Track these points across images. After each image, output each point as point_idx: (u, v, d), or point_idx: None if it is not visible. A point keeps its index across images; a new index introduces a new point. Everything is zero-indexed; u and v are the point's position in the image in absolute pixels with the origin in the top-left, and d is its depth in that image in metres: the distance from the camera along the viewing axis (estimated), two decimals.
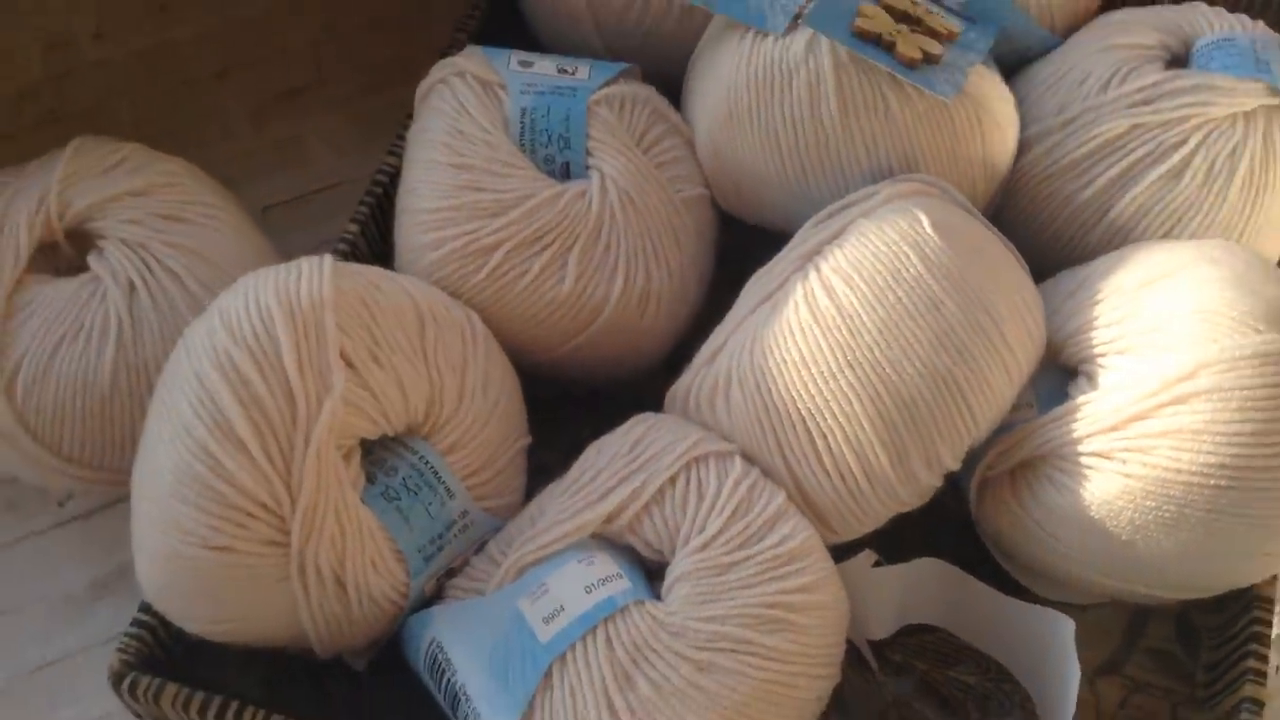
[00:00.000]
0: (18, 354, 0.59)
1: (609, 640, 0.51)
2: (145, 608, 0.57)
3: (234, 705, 0.54)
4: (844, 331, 0.54)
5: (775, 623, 0.51)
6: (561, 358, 0.63)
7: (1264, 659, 0.57)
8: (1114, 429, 0.53)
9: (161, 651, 0.58)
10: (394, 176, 0.67)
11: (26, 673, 0.62)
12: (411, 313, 0.55)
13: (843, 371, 0.54)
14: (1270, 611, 0.58)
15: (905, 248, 0.55)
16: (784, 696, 0.51)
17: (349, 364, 0.53)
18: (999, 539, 0.60)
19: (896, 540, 0.60)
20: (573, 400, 0.66)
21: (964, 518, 0.62)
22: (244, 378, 0.50)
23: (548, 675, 0.50)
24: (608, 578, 0.52)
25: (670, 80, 0.69)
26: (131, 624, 0.57)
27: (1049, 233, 0.65)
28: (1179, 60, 0.66)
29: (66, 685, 0.61)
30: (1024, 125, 0.66)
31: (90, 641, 0.63)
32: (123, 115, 0.81)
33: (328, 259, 0.55)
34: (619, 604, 0.51)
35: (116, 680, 0.55)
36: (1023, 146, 0.65)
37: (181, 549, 0.50)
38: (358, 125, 0.81)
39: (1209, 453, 0.51)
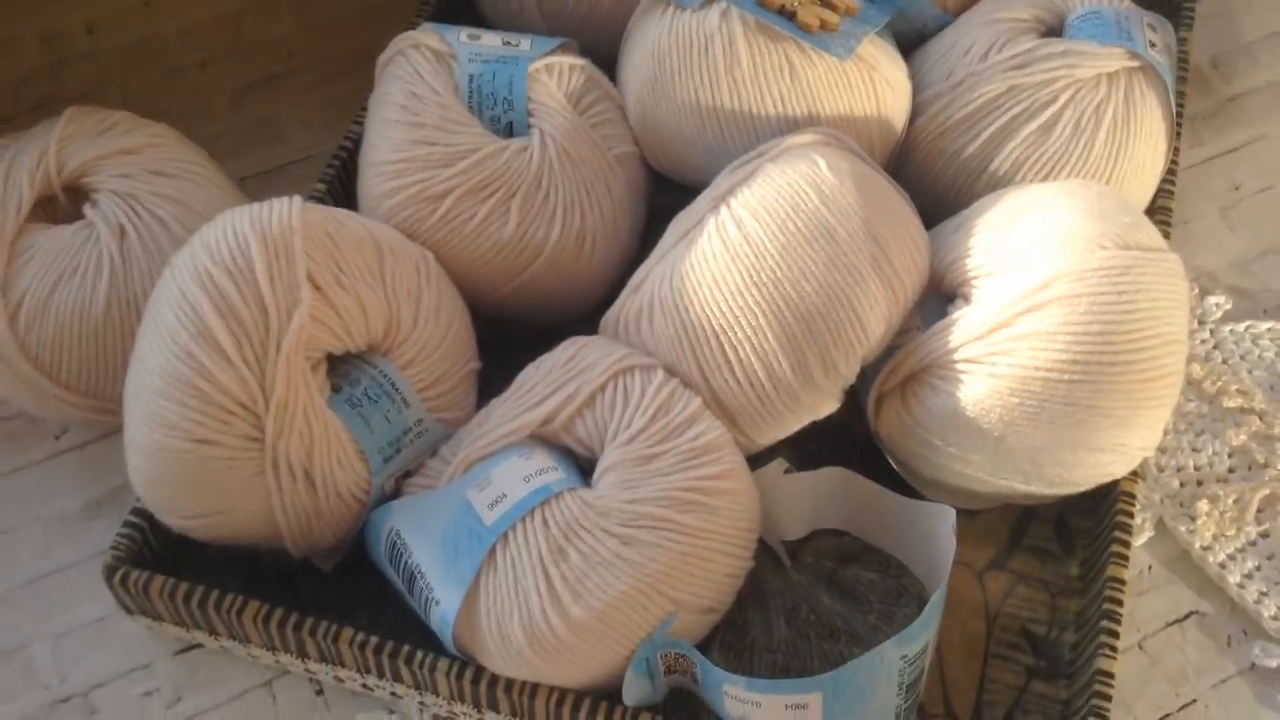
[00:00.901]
0: (20, 291, 0.66)
1: (545, 521, 0.58)
2: (135, 512, 0.64)
3: (214, 594, 0.61)
4: (750, 257, 0.62)
5: (691, 504, 0.58)
6: (507, 296, 0.70)
7: (1127, 545, 0.64)
8: (982, 337, 0.61)
9: (149, 553, 0.65)
10: (358, 143, 0.75)
11: (25, 583, 0.68)
12: (371, 245, 0.63)
13: (749, 290, 0.61)
14: (1131, 505, 0.65)
15: (804, 185, 0.63)
16: (699, 569, 0.58)
17: (315, 286, 0.60)
18: (895, 449, 0.67)
19: (813, 461, 0.68)
20: (519, 342, 0.73)
21: (871, 440, 0.69)
22: (222, 292, 0.58)
23: (492, 552, 0.58)
24: (544, 469, 0.60)
25: (606, 56, 0.77)
26: (123, 526, 0.63)
27: (941, 184, 0.73)
28: (1054, 32, 0.75)
29: (62, 594, 0.68)
30: (919, 91, 0.74)
31: (84, 555, 0.69)
32: (112, 100, 0.87)
33: (297, 198, 0.62)
34: (554, 490, 0.59)
35: (109, 574, 0.62)
36: (917, 109, 0.74)
37: (168, 442, 0.57)
38: (326, 107, 0.89)
39: (1061, 350, 0.59)
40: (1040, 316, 0.59)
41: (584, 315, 0.73)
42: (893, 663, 0.56)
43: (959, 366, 0.62)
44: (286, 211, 0.60)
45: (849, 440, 0.71)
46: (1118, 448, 0.61)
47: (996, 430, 0.61)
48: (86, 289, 0.66)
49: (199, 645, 0.65)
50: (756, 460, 0.65)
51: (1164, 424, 0.62)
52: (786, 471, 0.66)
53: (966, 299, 0.63)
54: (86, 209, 0.68)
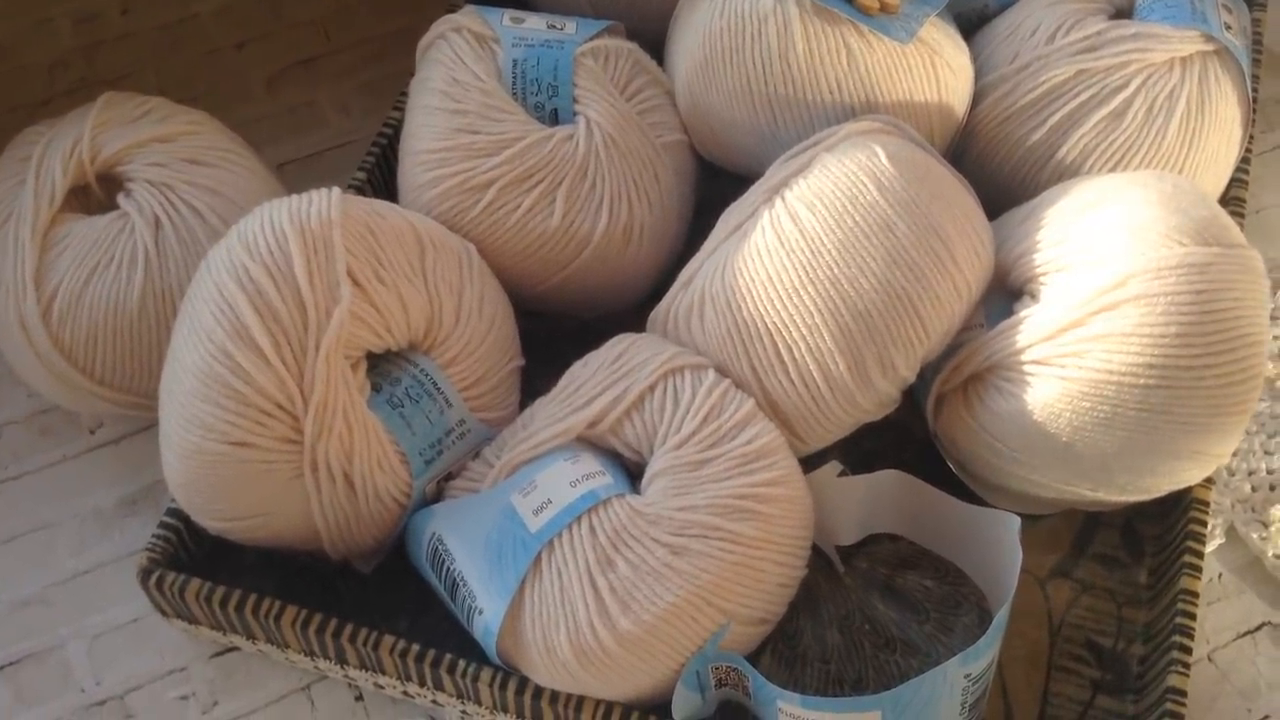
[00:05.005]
0: (53, 284, 0.64)
1: (592, 528, 0.56)
2: (170, 512, 0.62)
3: (252, 598, 0.59)
4: (806, 252, 0.59)
5: (744, 512, 0.56)
6: (552, 289, 0.68)
7: (1199, 555, 0.61)
8: (1051, 337, 0.58)
9: (185, 554, 0.63)
10: (399, 130, 0.73)
11: (60, 582, 0.67)
12: (412, 239, 0.61)
13: (805, 288, 0.59)
14: (1205, 513, 0.62)
15: (862, 176, 0.60)
16: (752, 579, 0.56)
17: (355, 282, 0.58)
18: (956, 451, 0.65)
19: (867, 462, 0.65)
20: (565, 335, 0.70)
21: (929, 441, 0.67)
22: (260, 289, 0.55)
23: (537, 560, 0.55)
24: (591, 474, 0.57)
25: (652, 39, 0.74)
26: (158, 527, 0.62)
27: (1004, 173, 0.70)
28: (1123, 14, 0.71)
29: (98, 593, 0.66)
30: (981, 75, 0.71)
31: (120, 554, 0.68)
32: (148, 83, 0.86)
33: (336, 190, 0.60)
34: (601, 496, 0.56)
35: (144, 577, 0.60)
36: (979, 94, 0.70)
37: (204, 444, 0.55)
38: (365, 91, 0.87)
39: (1137, 354, 0.56)
40: (1115, 317, 0.56)
41: (630, 308, 0.70)
42: (956, 681, 0.53)
43: (1027, 368, 0.59)
44: (325, 205, 0.58)
45: (905, 440, 0.68)
46: (1194, 455, 0.58)
47: (1065, 435, 0.58)
48: (121, 281, 0.64)
49: (236, 648, 0.64)
50: (809, 461, 0.62)
51: (1243, 429, 0.59)
52: (841, 474, 0.63)
53: (1034, 296, 0.61)
54: (121, 199, 0.67)
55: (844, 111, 0.66)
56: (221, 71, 0.88)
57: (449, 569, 0.57)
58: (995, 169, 0.70)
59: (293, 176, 0.82)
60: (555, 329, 0.71)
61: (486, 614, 0.56)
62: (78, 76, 0.87)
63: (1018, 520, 0.58)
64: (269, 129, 0.84)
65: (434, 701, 0.60)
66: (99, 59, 0.88)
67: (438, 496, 0.61)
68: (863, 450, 0.67)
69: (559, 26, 0.70)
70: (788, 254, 0.59)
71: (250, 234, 0.57)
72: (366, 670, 0.60)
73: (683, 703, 0.56)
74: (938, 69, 0.66)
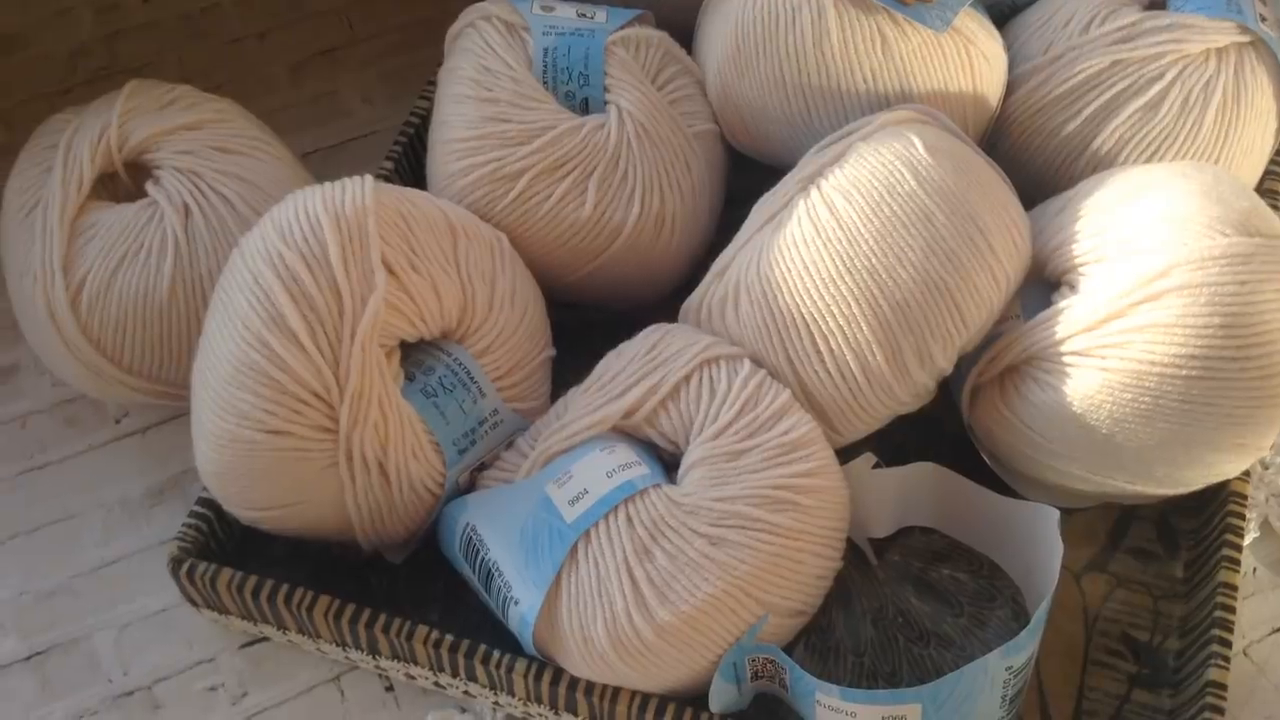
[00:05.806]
0: (82, 271, 0.64)
1: (629, 519, 0.55)
2: (201, 502, 0.62)
3: (285, 588, 0.59)
4: (843, 242, 0.58)
5: (782, 503, 0.55)
6: (583, 279, 0.67)
7: (1238, 548, 0.61)
8: (1092, 328, 0.57)
9: (215, 544, 0.62)
10: (425, 119, 0.72)
11: (87, 572, 0.66)
12: (445, 227, 0.60)
13: (842, 278, 0.58)
14: (1243, 505, 0.62)
15: (899, 166, 0.59)
16: (790, 570, 0.55)
17: (389, 270, 0.57)
18: (991, 442, 0.64)
19: (899, 454, 0.65)
20: (595, 326, 0.70)
21: (961, 433, 0.66)
22: (295, 276, 0.55)
23: (573, 551, 0.55)
24: (627, 464, 0.57)
25: (681, 28, 0.74)
26: (188, 516, 0.61)
27: (1038, 163, 0.70)
28: (1157, 4, 0.71)
29: (125, 583, 0.66)
30: (1014, 65, 0.70)
31: (147, 544, 0.67)
32: (170, 72, 0.86)
33: (368, 178, 0.60)
34: (638, 487, 0.56)
35: (175, 566, 0.60)
36: (1013, 85, 0.70)
37: (239, 432, 0.55)
38: (388, 81, 0.86)
39: (1180, 344, 0.55)
40: (1157, 308, 0.56)
41: (661, 299, 0.70)
42: (997, 674, 0.53)
43: (1066, 359, 0.58)
44: (359, 192, 0.58)
45: (937, 432, 0.68)
46: (1236, 447, 0.58)
47: (1105, 427, 0.58)
48: (150, 270, 0.64)
49: (265, 639, 0.64)
50: (842, 454, 0.62)
51: None
52: (875, 466, 0.63)
53: (1073, 287, 0.60)
54: (149, 186, 0.66)
55: (878, 101, 0.65)
56: (244, 61, 0.87)
57: (483, 559, 0.57)
58: (1029, 159, 0.70)
59: (317, 167, 0.81)
60: (586, 320, 0.70)
61: (523, 604, 0.55)
62: (99, 65, 0.86)
63: (1056, 513, 0.58)
64: (292, 119, 0.84)
65: (465, 693, 0.60)
66: (120, 48, 0.87)
67: (471, 487, 0.60)
68: (893, 442, 0.67)
69: (589, 15, 0.70)
70: (824, 244, 0.59)
71: (285, 221, 0.57)
72: (398, 661, 0.59)
73: (719, 694, 0.55)
74: (973, 58, 0.66)
